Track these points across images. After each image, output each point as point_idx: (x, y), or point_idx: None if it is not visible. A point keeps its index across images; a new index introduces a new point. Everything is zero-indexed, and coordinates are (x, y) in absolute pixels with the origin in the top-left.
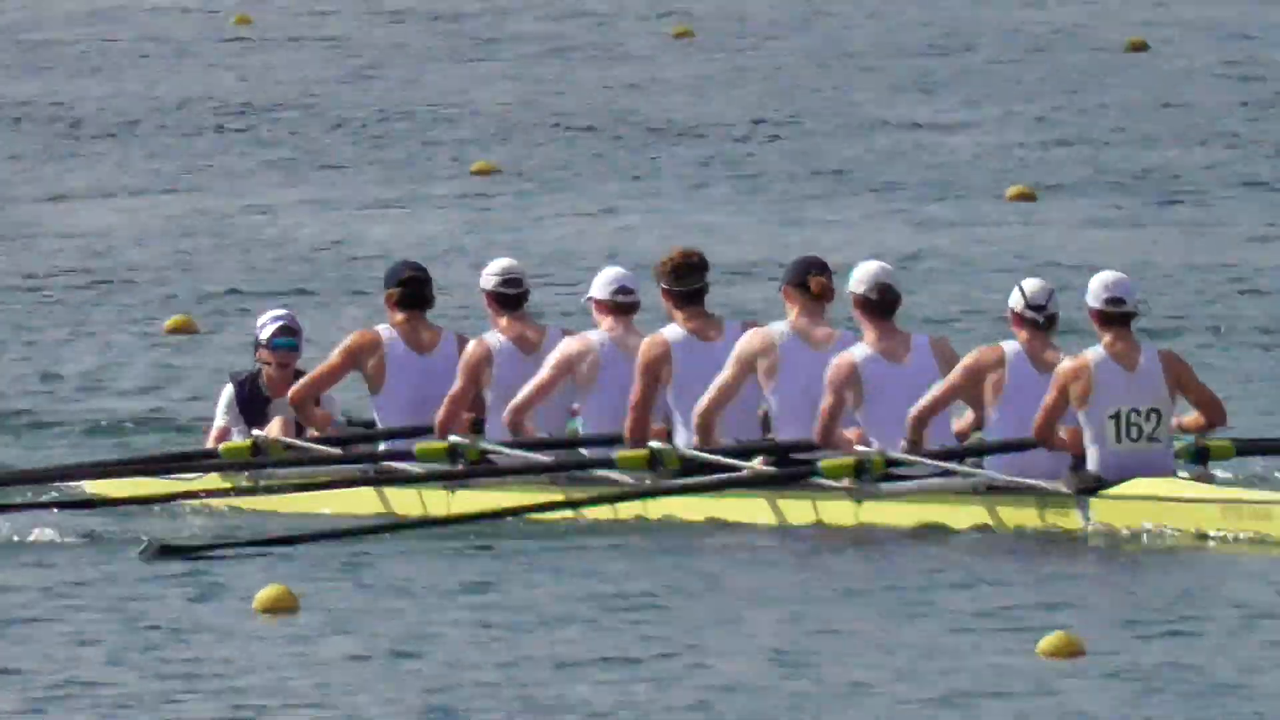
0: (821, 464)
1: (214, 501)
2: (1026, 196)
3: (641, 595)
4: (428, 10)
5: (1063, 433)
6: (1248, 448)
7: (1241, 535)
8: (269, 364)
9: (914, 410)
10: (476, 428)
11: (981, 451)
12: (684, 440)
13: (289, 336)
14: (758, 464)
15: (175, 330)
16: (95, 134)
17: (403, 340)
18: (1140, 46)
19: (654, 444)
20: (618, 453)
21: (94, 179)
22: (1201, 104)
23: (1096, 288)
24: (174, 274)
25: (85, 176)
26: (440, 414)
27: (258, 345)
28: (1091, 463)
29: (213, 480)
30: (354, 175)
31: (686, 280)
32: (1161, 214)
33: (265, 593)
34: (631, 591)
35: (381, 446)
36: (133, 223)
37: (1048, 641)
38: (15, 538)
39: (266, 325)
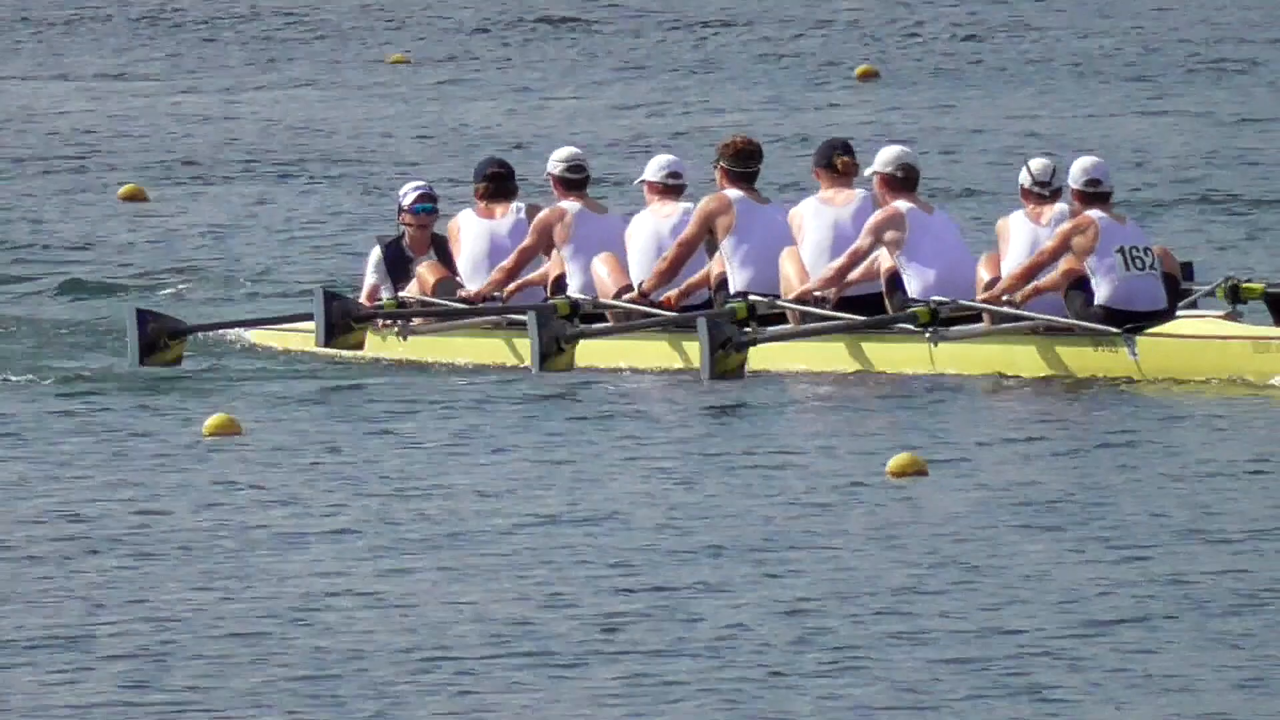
0: (912, 309)
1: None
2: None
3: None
4: None
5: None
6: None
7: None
8: (410, 225)
9: (1014, 270)
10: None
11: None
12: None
13: (428, 202)
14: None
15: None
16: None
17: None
18: None
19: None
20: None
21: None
22: None
23: (1076, 172)
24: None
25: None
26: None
27: (400, 210)
28: (1102, 296)
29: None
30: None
31: (745, 164)
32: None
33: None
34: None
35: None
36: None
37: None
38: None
39: (409, 193)
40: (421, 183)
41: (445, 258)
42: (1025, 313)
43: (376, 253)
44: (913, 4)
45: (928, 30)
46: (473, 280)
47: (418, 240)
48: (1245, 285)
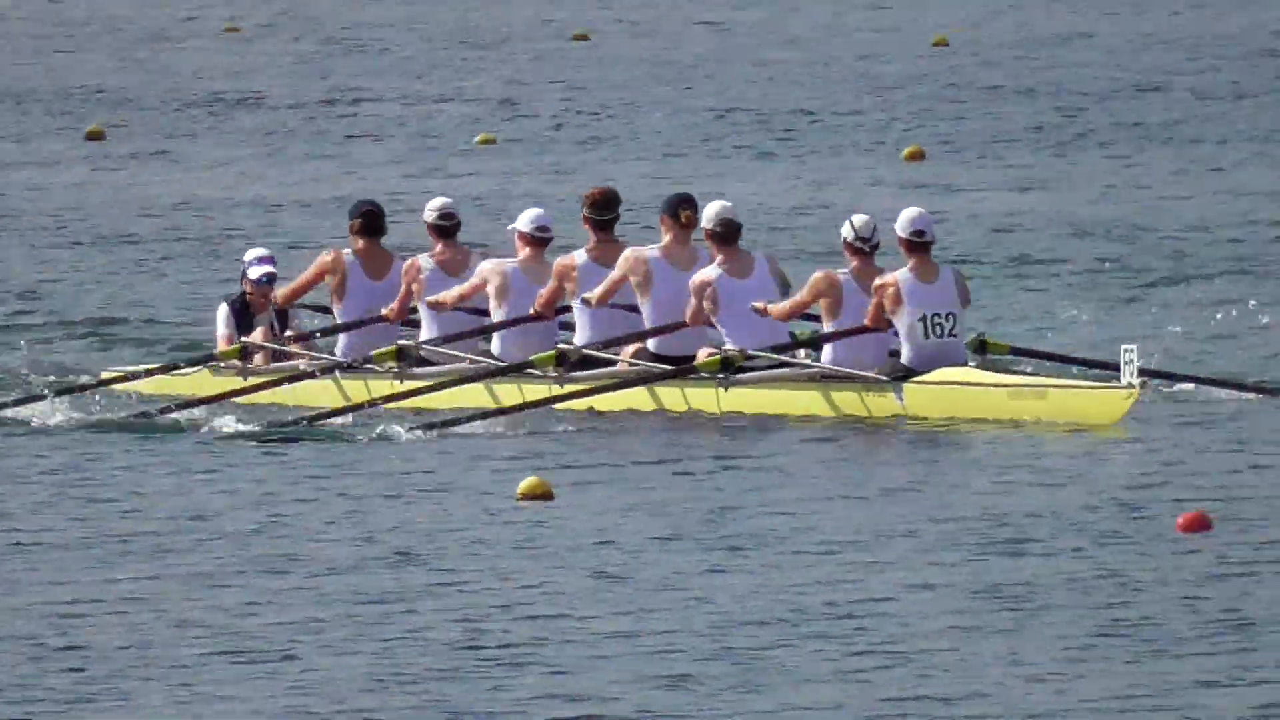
0: (699, 361)
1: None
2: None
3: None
4: None
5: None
6: (1020, 351)
7: (1024, 412)
8: (251, 293)
9: (774, 313)
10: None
11: (818, 342)
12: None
13: (268, 276)
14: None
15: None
16: None
17: (360, 261)
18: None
19: (564, 346)
20: (536, 356)
21: None
22: None
23: (903, 222)
24: None
25: None
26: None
27: (243, 275)
28: (905, 357)
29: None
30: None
31: (603, 211)
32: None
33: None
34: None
35: (339, 342)
36: None
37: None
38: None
39: (253, 265)
40: (264, 253)
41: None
42: (809, 362)
43: (224, 309)
44: None
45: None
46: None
47: (259, 300)
48: (992, 342)
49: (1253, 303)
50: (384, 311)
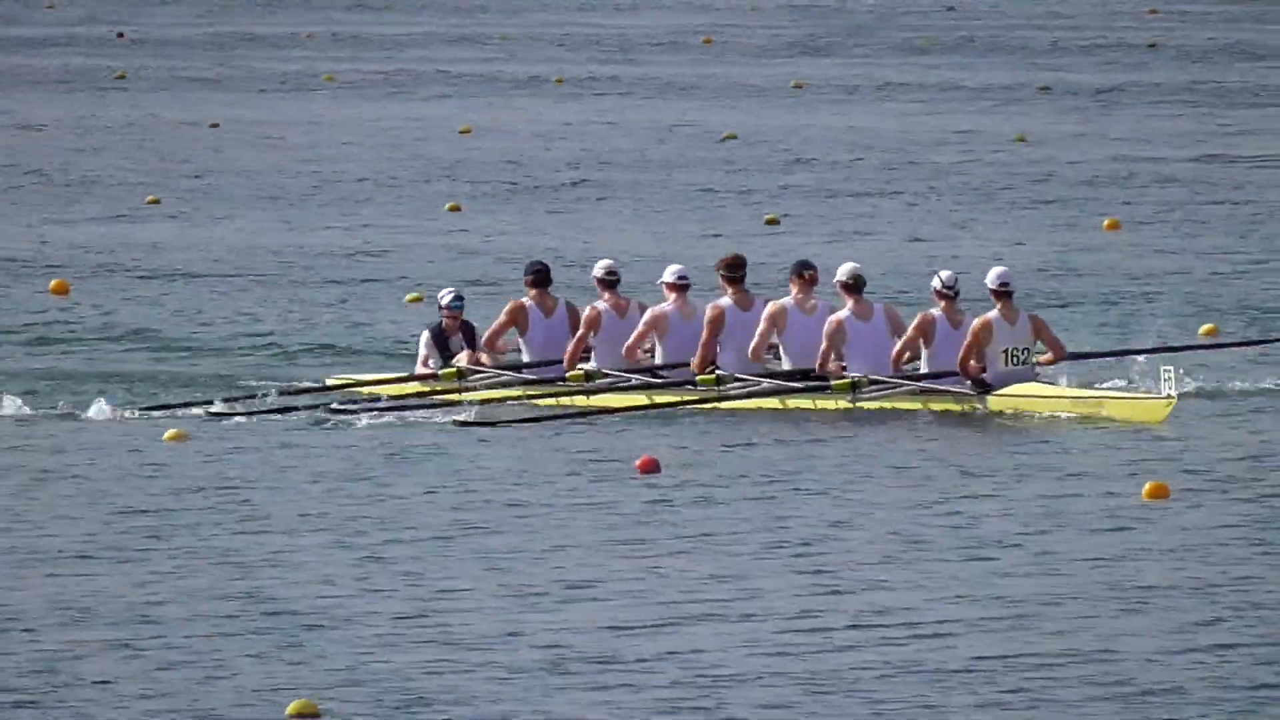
0: (833, 383)
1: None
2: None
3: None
4: None
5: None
6: (1075, 355)
7: (1085, 418)
8: (446, 317)
9: (894, 354)
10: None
11: (923, 377)
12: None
13: (459, 301)
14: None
15: None
16: None
17: (536, 306)
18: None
19: (717, 373)
20: (699, 376)
21: None
22: None
23: (992, 276)
24: None
25: None
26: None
27: (439, 307)
28: (989, 378)
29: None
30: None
31: (735, 271)
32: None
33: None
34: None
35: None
36: None
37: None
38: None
39: (445, 294)
40: (452, 288)
41: (470, 339)
42: (915, 382)
43: (426, 335)
44: None
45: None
46: (529, 353)
47: (452, 328)
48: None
49: None
50: (568, 350)
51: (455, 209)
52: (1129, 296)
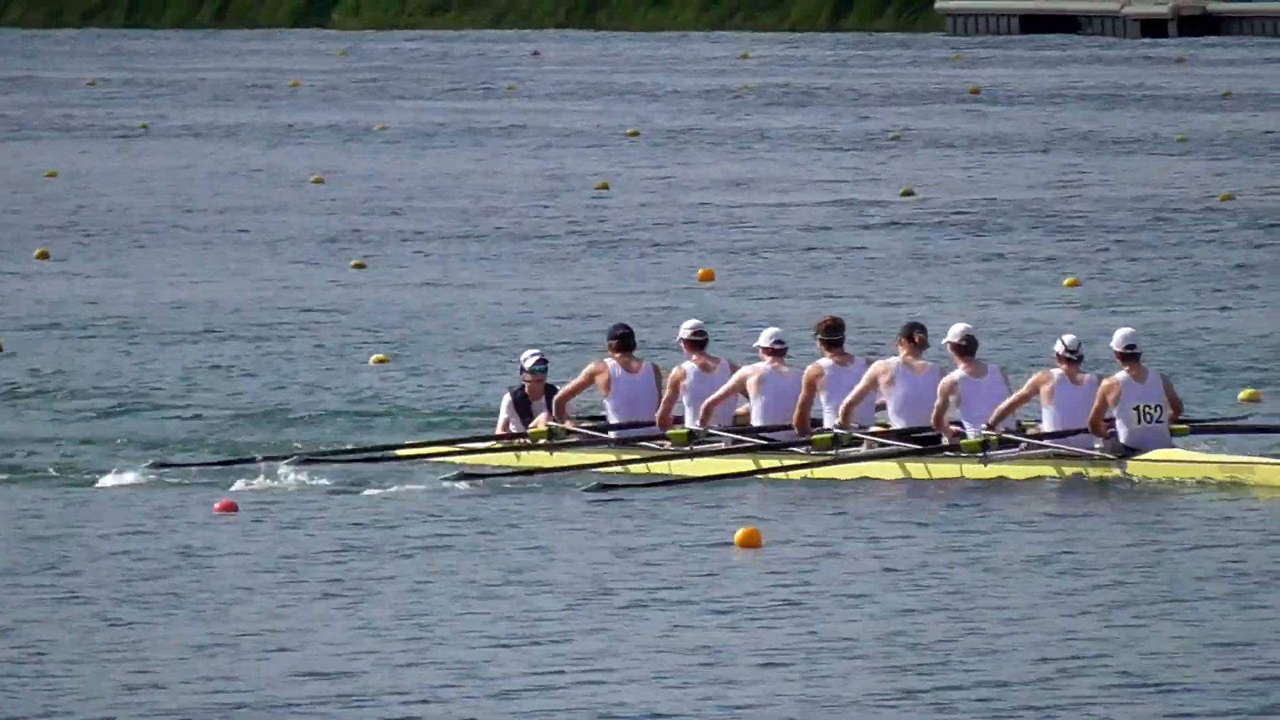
0: (963, 441)
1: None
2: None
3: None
4: None
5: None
6: (1197, 428)
7: (1237, 483)
8: (529, 381)
9: (1001, 408)
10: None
11: (1048, 436)
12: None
13: (542, 365)
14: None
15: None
16: None
17: (621, 367)
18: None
19: (834, 431)
20: (815, 436)
21: None
22: None
23: (1117, 338)
24: None
25: None
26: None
27: (521, 370)
28: (1122, 437)
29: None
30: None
31: (833, 334)
32: None
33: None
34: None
35: (612, 434)
36: None
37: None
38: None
39: (528, 358)
40: (536, 350)
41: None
42: (1046, 442)
43: (507, 398)
44: None
45: None
46: (614, 415)
47: (534, 391)
48: (1175, 427)
49: None
50: (659, 411)
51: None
52: None
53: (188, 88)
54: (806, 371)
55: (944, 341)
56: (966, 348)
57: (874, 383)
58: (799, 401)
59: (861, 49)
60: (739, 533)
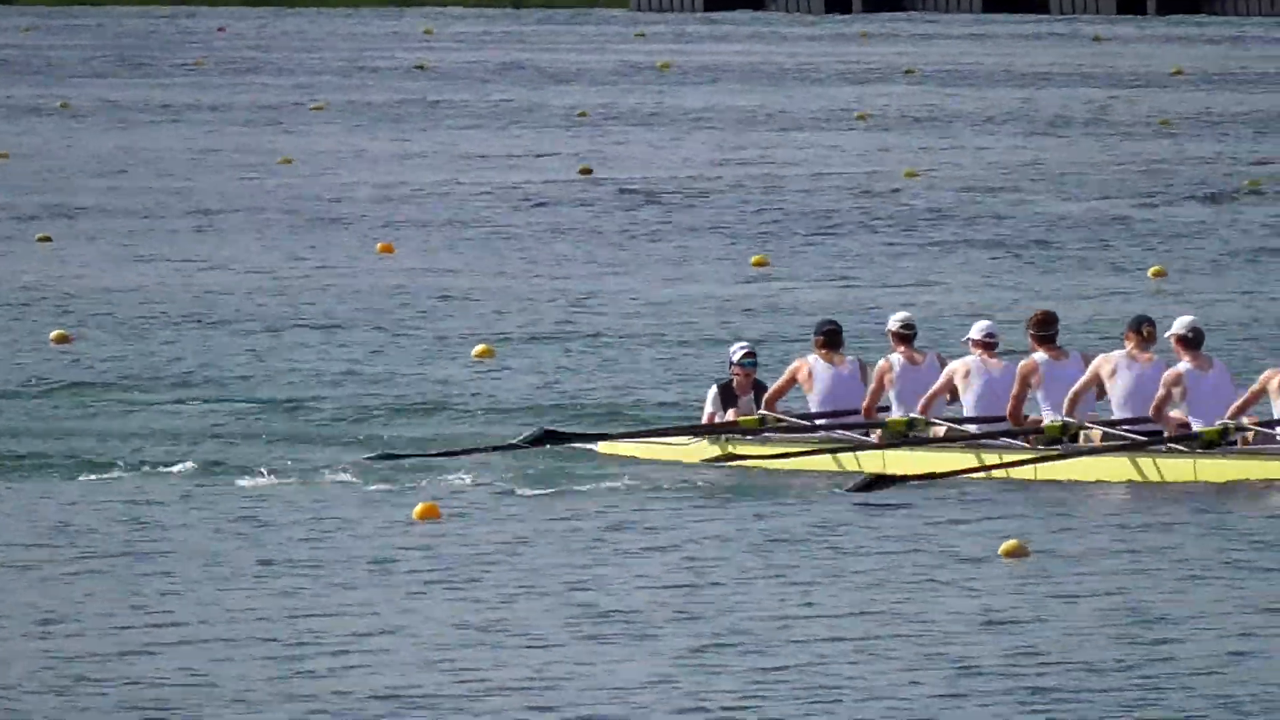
0: (1204, 431)
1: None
2: None
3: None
4: None
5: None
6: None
7: None
8: (738, 375)
9: (1236, 404)
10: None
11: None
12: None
13: (751, 359)
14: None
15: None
16: None
17: (823, 361)
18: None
19: (1062, 419)
20: (1045, 424)
21: None
22: None
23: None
24: None
25: None
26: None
27: (730, 363)
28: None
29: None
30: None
31: (1045, 329)
32: None
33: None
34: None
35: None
36: None
37: None
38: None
39: (736, 350)
40: (745, 343)
41: (760, 400)
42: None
43: (714, 390)
44: None
45: None
46: (822, 408)
47: (742, 384)
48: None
49: None
50: (865, 402)
51: None
52: None
53: None
54: (1020, 365)
55: (1168, 334)
56: (1193, 340)
57: (1096, 376)
58: (1012, 395)
59: (546, 25)
60: (418, 507)
